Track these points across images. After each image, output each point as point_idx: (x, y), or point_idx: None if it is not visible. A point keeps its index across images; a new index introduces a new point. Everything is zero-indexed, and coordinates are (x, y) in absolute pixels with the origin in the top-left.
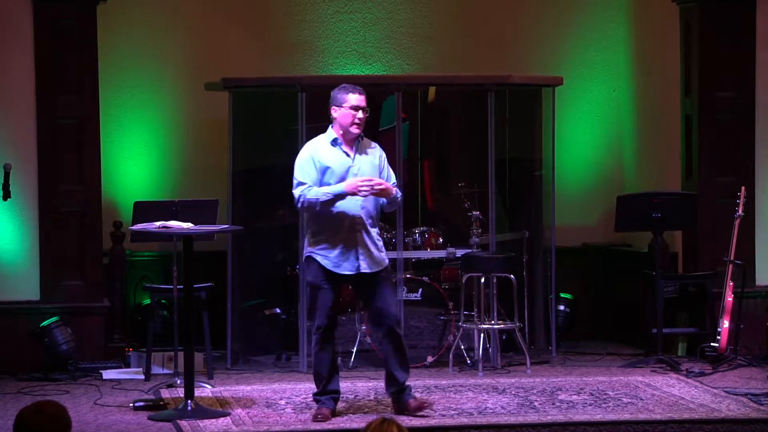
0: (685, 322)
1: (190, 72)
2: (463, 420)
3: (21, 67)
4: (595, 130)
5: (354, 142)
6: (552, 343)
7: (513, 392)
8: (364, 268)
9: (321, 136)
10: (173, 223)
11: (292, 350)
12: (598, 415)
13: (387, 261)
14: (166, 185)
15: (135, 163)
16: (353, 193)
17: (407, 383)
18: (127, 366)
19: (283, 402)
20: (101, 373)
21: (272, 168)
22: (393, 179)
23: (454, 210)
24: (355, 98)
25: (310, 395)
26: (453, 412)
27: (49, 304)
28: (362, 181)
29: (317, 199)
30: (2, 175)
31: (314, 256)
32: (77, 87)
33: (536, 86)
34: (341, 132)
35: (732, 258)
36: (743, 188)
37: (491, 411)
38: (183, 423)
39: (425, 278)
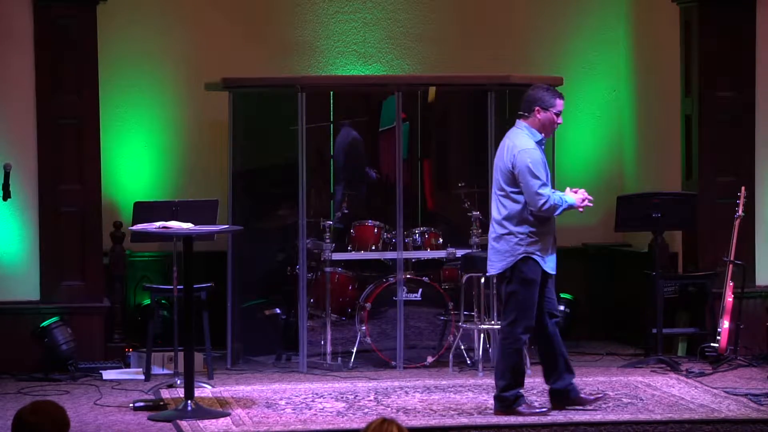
0: (685, 322)
1: (190, 72)
2: (463, 420)
3: (21, 67)
4: (595, 130)
5: None
6: None
7: None
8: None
9: (527, 135)
10: (173, 224)
11: (292, 350)
12: (598, 415)
13: None
14: (166, 185)
15: (135, 163)
16: (578, 206)
17: None
18: (127, 366)
19: (283, 402)
20: (101, 374)
21: (272, 168)
22: None
23: (454, 210)
24: (562, 104)
25: (310, 395)
26: (453, 412)
27: (50, 304)
28: (587, 197)
29: (560, 206)
30: (2, 175)
31: (535, 257)
32: (77, 87)
33: None
34: (543, 134)
35: (732, 258)
36: (743, 188)
37: (491, 411)
38: (183, 423)
39: (425, 278)
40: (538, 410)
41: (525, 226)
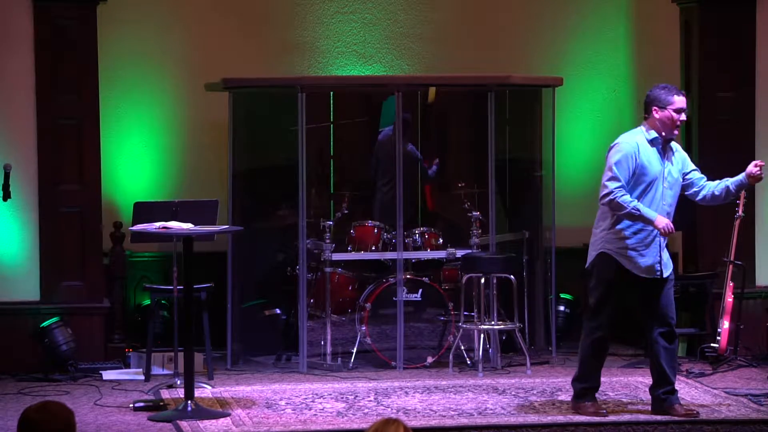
0: (685, 322)
1: (190, 72)
2: (463, 421)
3: (21, 67)
4: (595, 130)
5: (667, 145)
6: (552, 343)
7: (513, 393)
8: (661, 272)
9: (639, 132)
10: (173, 224)
11: (292, 350)
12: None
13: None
14: (166, 185)
15: (135, 163)
16: (657, 227)
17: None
18: (127, 366)
19: (283, 402)
20: (101, 374)
21: (272, 168)
22: (692, 166)
23: (454, 210)
24: (681, 101)
25: (310, 396)
26: (453, 412)
27: (50, 304)
28: (670, 227)
29: (627, 209)
30: (2, 175)
31: (614, 254)
32: (77, 87)
33: (536, 86)
34: (663, 133)
35: (732, 258)
36: None
37: (491, 411)
38: (183, 423)
39: (425, 279)
40: (597, 411)
41: (607, 221)
